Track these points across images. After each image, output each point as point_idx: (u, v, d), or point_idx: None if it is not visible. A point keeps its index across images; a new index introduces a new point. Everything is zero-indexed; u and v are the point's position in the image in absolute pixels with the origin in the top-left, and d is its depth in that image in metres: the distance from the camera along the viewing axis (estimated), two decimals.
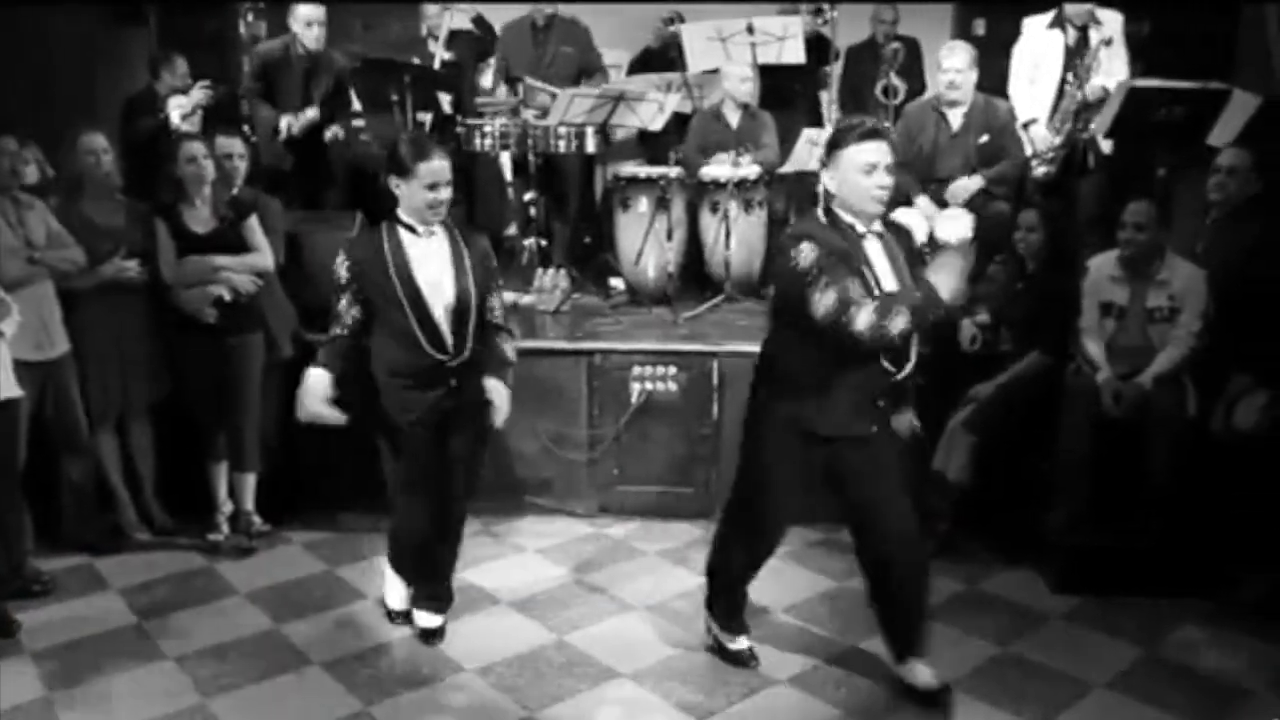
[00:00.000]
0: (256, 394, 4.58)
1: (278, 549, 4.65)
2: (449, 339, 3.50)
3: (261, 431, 4.65)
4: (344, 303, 3.48)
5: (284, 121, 6.05)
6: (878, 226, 3.20)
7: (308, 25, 6.03)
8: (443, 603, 3.89)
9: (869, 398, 3.21)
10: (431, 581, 3.87)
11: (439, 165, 3.44)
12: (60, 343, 4.29)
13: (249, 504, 4.69)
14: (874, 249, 3.18)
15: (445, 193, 3.46)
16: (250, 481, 4.68)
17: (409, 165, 3.43)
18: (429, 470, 3.60)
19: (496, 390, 3.61)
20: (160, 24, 7.15)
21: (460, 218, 6.75)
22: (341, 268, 3.48)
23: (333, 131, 6.09)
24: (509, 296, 5.83)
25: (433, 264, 3.50)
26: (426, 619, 3.86)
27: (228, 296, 4.40)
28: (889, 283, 3.15)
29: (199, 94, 5.66)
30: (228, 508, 4.70)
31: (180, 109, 5.58)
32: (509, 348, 3.68)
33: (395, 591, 3.96)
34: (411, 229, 3.51)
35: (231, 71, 6.45)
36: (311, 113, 6.05)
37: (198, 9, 7.21)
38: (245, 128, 5.78)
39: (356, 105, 6.69)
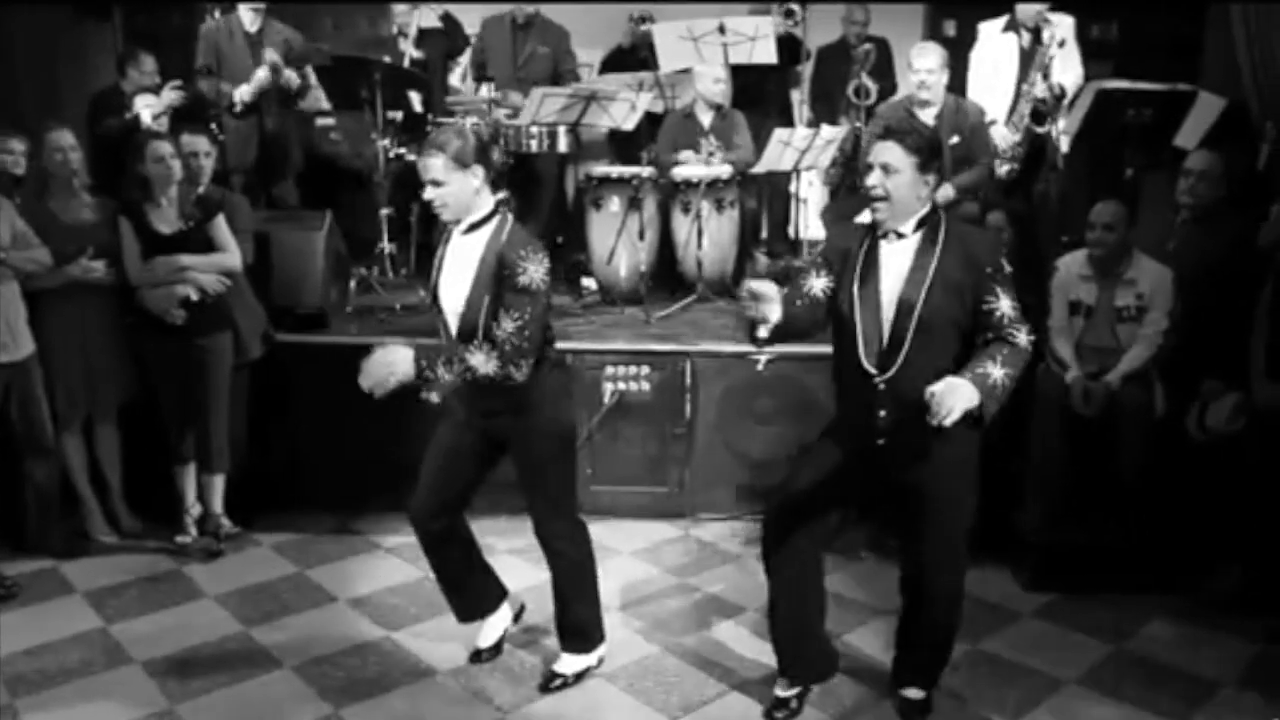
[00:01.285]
0: (225, 395, 4.53)
1: (247, 551, 4.61)
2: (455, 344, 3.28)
3: (230, 433, 4.60)
4: None
5: (237, 94, 6.00)
6: (908, 227, 3.03)
7: (251, 11, 6.10)
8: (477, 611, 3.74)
9: (863, 406, 3.10)
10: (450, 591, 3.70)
11: (420, 164, 3.23)
12: (25, 344, 4.22)
13: (217, 506, 4.65)
14: (889, 251, 3.06)
15: (428, 191, 3.22)
16: (219, 483, 4.63)
17: None
18: (435, 460, 3.48)
19: (393, 350, 3.12)
20: (124, 20, 7.07)
21: (421, 215, 6.74)
22: None
23: (270, 58, 5.96)
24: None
25: (456, 266, 3.27)
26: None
27: (194, 296, 4.35)
28: (888, 286, 3.03)
29: (171, 95, 5.60)
30: (196, 510, 4.65)
31: (151, 109, 5.51)
32: (473, 354, 3.13)
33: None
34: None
35: (195, 70, 6.38)
36: (261, 73, 5.97)
37: (162, 5, 7.14)
38: (213, 126, 5.72)
39: (325, 104, 6.65)
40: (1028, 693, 3.56)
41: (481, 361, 3.12)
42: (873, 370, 3.05)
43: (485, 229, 3.24)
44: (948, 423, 2.75)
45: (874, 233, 3.10)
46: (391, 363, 3.08)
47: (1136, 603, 4.11)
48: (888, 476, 3.16)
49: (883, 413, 3.06)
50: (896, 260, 3.05)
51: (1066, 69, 5.74)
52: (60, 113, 5.62)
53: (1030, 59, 5.69)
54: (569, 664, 3.62)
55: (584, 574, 3.59)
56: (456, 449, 3.45)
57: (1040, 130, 5.68)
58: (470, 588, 3.69)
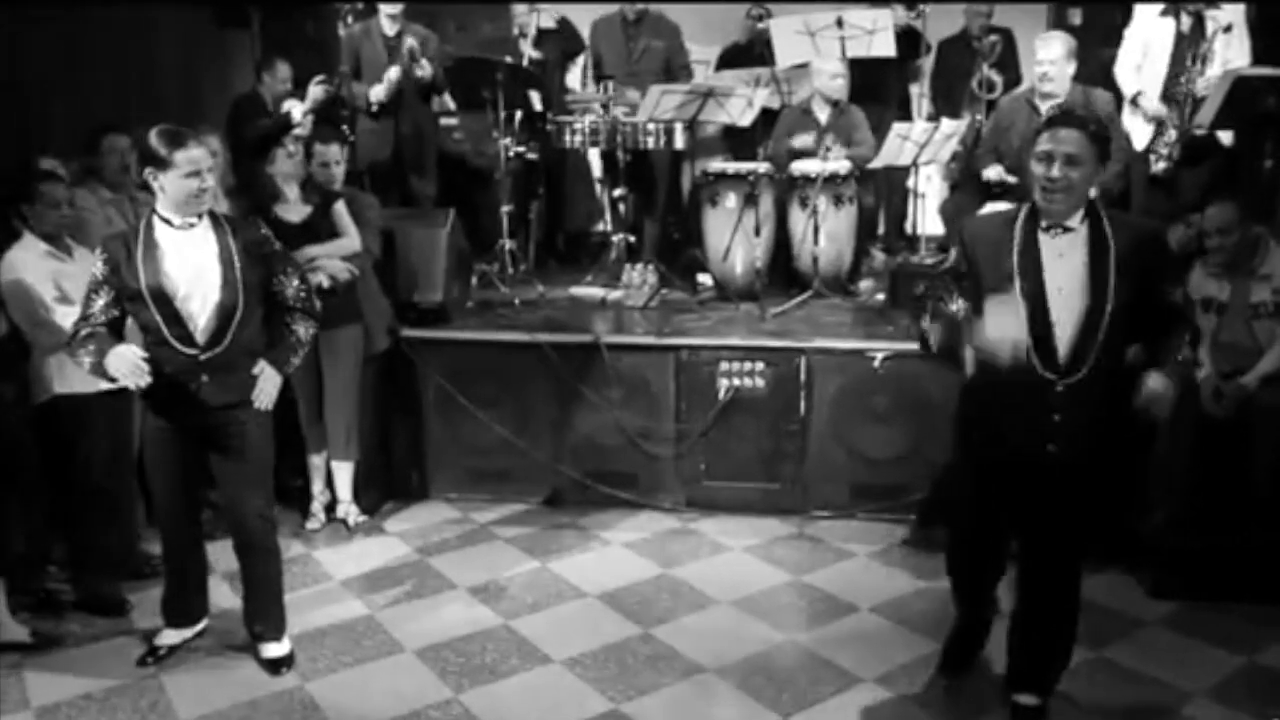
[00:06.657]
0: (354, 386, 4.69)
1: (372, 537, 4.78)
2: (200, 334, 3.40)
3: (358, 424, 4.76)
4: (99, 298, 3.37)
5: (372, 94, 6.15)
6: (1074, 220, 2.94)
7: (388, 17, 6.22)
8: (185, 618, 3.83)
9: (1034, 412, 3.01)
10: (176, 595, 3.81)
11: (197, 153, 3.34)
12: None
13: (345, 494, 4.83)
14: (1054, 247, 2.96)
15: (208, 180, 3.37)
16: (347, 471, 4.80)
17: (165, 156, 3.32)
18: (170, 468, 3.58)
19: (264, 371, 3.48)
20: (261, 27, 7.36)
21: (540, 212, 6.89)
22: (98, 263, 3.40)
23: (408, 44, 6.08)
24: (596, 291, 5.94)
25: (191, 256, 3.39)
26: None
27: (326, 284, 4.45)
28: (1056, 283, 2.94)
29: (317, 90, 5.79)
30: (325, 496, 4.84)
31: (300, 107, 5.72)
32: (301, 328, 3.60)
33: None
34: (168, 221, 3.41)
35: (331, 73, 6.61)
36: (393, 73, 6.10)
37: (297, 11, 7.41)
38: (344, 128, 5.91)
39: (450, 104, 6.81)
40: (1151, 703, 3.46)
41: (304, 329, 3.60)
42: (1048, 374, 2.96)
43: (204, 220, 3.45)
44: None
45: (1027, 225, 3.00)
46: None
47: (1268, 614, 3.94)
48: (1051, 480, 3.05)
49: (1057, 417, 2.98)
50: (1066, 256, 2.95)
51: (1229, 58, 5.45)
52: (203, 116, 5.89)
53: (1190, 45, 5.44)
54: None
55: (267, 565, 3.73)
56: (174, 450, 3.56)
57: (1199, 132, 5.43)
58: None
